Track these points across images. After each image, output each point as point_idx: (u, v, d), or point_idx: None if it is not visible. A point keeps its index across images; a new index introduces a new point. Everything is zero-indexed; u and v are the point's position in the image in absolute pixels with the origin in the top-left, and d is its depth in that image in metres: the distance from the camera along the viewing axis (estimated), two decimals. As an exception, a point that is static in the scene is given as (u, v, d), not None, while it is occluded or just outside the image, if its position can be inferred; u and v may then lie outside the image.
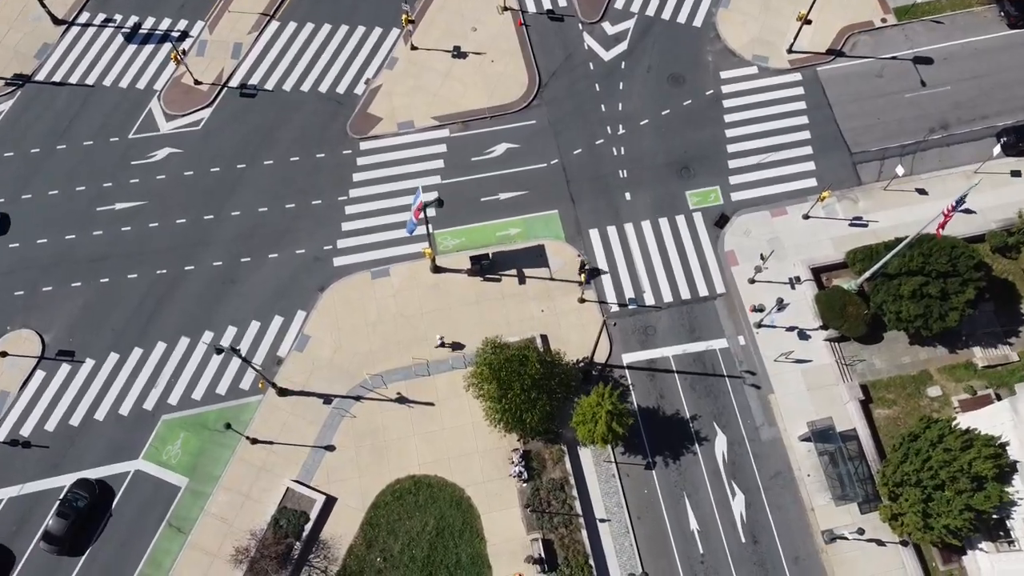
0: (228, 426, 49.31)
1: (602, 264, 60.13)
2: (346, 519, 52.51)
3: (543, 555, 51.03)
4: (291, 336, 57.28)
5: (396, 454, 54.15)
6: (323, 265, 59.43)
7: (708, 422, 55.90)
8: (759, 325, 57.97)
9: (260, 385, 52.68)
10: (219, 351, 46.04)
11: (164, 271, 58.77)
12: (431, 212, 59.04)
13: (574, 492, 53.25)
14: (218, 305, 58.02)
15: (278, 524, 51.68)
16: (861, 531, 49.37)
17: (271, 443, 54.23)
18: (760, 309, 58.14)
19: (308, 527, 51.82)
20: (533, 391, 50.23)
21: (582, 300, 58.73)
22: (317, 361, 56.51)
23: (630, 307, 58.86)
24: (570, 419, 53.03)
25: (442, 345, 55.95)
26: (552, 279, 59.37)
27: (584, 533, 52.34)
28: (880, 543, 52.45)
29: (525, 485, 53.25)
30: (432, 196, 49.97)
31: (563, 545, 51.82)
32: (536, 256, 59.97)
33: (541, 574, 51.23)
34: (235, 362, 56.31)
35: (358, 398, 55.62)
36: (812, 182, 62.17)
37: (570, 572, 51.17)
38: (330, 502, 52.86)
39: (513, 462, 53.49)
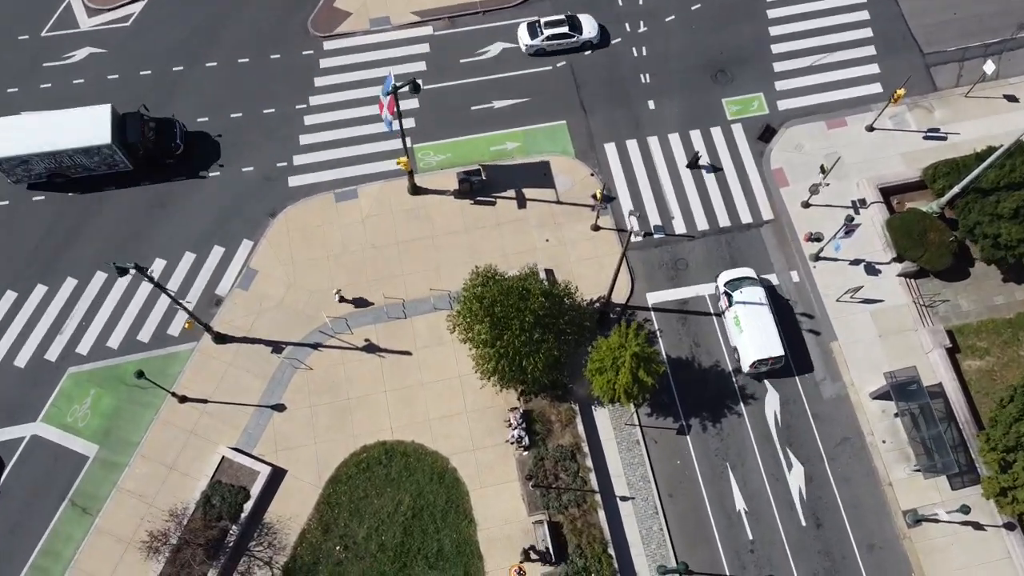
0: (140, 374, 37.80)
1: (620, 185, 48.74)
2: (298, 497, 41.16)
3: (549, 542, 39.69)
4: (233, 271, 45.90)
5: (363, 416, 42.79)
6: (275, 186, 48.03)
7: (755, 376, 44.55)
8: (817, 257, 46.60)
9: (187, 325, 41.24)
10: (122, 272, 34.69)
11: (77, 192, 47.36)
12: (410, 104, 47.79)
13: (588, 463, 41.90)
14: (144, 234, 46.64)
15: (209, 503, 40.31)
16: (966, 509, 37.92)
17: (205, 402, 42.85)
18: (817, 238, 46.78)
19: (248, 507, 40.44)
20: (536, 330, 38.87)
21: (596, 228, 47.35)
22: (265, 301, 45.13)
23: (656, 236, 47.54)
24: (583, 369, 41.65)
25: (342, 300, 44.70)
26: (559, 202, 48.00)
27: (601, 514, 40.99)
28: (978, 526, 41.11)
29: (526, 454, 41.90)
30: (406, 84, 38.82)
31: (575, 529, 40.45)
32: (539, 175, 48.61)
33: (547, 565, 39.84)
34: (161, 303, 44.97)
35: (316, 346, 44.24)
36: (876, 88, 50.77)
37: (584, 564, 39.80)
38: (278, 475, 41.50)
39: (511, 425, 42.11)
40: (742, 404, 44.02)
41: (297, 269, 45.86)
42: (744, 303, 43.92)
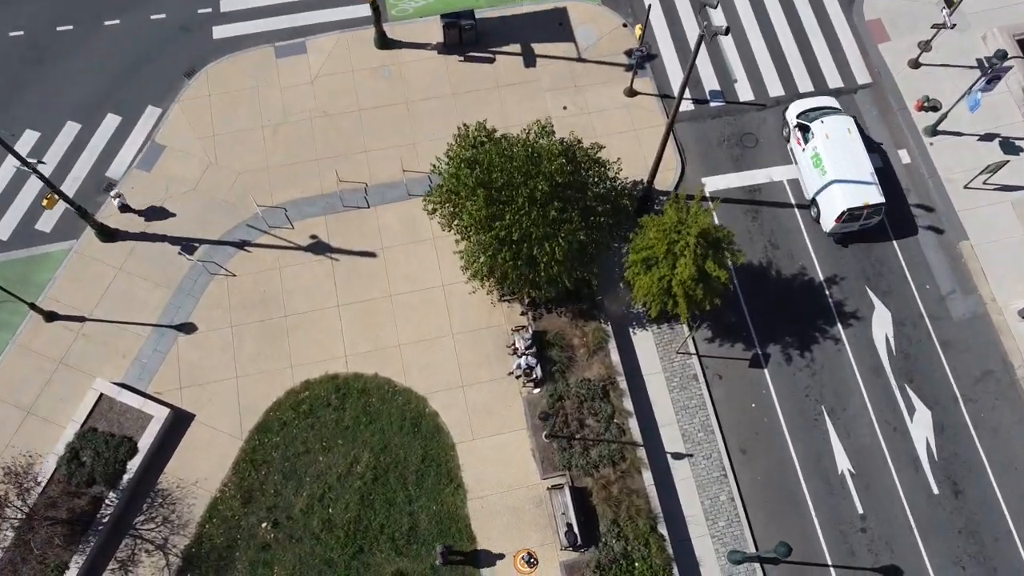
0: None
1: (663, 39, 36.08)
2: (208, 453, 28.53)
3: (573, 516, 27.09)
4: (132, 147, 33.22)
5: (305, 340, 30.15)
6: (195, 38, 35.32)
7: (857, 288, 31.95)
8: (934, 131, 33.94)
9: (46, 202, 28.42)
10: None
11: (-78, 43, 34.77)
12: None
13: (627, 404, 29.27)
14: (14, 97, 33.93)
15: (77, 460, 27.68)
16: None
17: (82, 320, 30.20)
18: (934, 107, 34.22)
19: (135, 466, 27.81)
20: (553, 206, 26.27)
21: (632, 92, 34.68)
22: (174, 186, 32.46)
23: (713, 104, 34.92)
24: (623, 265, 29.12)
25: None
26: (580, 60, 35.36)
27: (647, 477, 28.38)
28: None
29: (538, 392, 29.29)
30: None
31: (609, 499, 27.82)
32: (552, 24, 35.94)
33: (569, 551, 27.22)
34: (30, 188, 32.32)
35: (242, 245, 31.60)
36: (1002, -84, 38.02)
37: (624, 548, 27.17)
38: (180, 422, 28.89)
39: (516, 351, 29.49)
40: (840, 326, 31.39)
41: (219, 144, 33.15)
42: (827, 136, 31.49)
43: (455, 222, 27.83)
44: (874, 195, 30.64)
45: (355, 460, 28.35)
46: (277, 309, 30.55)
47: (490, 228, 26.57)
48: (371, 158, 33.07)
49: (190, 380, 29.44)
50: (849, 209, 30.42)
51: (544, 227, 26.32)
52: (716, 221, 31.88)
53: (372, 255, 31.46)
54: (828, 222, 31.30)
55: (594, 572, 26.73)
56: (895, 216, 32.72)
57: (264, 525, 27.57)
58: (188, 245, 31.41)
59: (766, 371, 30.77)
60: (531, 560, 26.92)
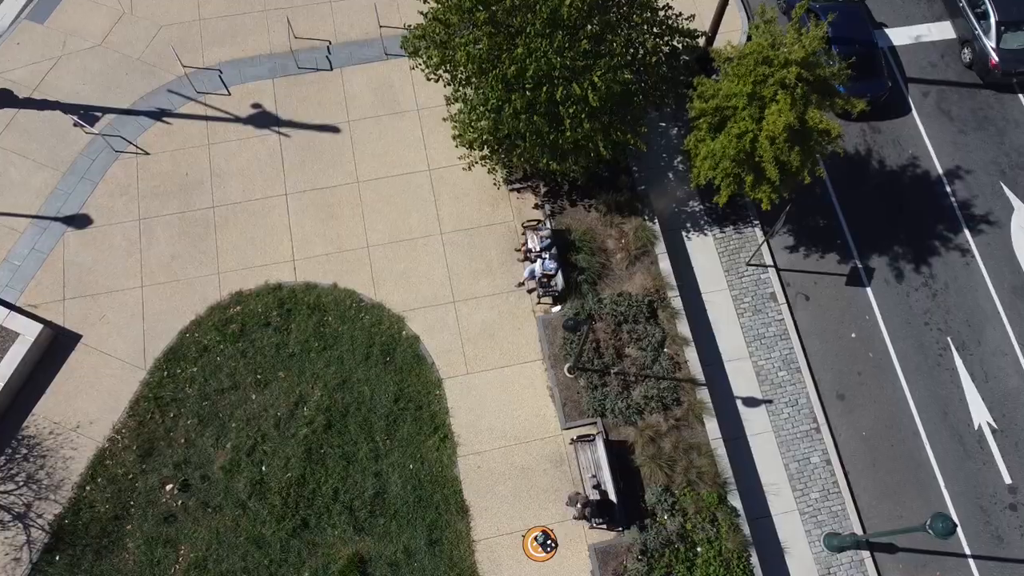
0: None
1: None
2: (95, 387, 20.35)
3: (609, 480, 18.85)
4: (22, -8, 25.12)
5: (240, 238, 21.97)
6: None
7: (989, 184, 23.79)
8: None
9: None
10: None
11: None
12: None
13: (682, 329, 21.04)
14: None
15: (-92, 392, 19.59)
16: None
17: (-65, 208, 22.12)
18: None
19: (-9, 403, 19.72)
20: (587, 31, 18.09)
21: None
22: (74, 41, 24.28)
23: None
24: (669, 149, 20.93)
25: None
26: None
27: (711, 428, 20.12)
28: None
29: (558, 310, 21.05)
30: None
31: (658, 457, 19.51)
32: None
33: (602, 527, 18.98)
34: None
35: (159, 115, 23.42)
36: None
37: (682, 525, 18.93)
38: (60, 345, 20.71)
39: (528, 254, 21.27)
40: (967, 232, 23.17)
41: (138, -11, 25.03)
42: None
43: (446, 66, 19.59)
44: None
45: (301, 400, 20.18)
46: (203, 198, 22.38)
47: (493, 66, 18.38)
48: (337, 8, 24.88)
49: (78, 290, 21.29)
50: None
51: (573, 60, 18.11)
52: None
53: (334, 130, 23.28)
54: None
55: (638, 560, 18.52)
56: (1036, 92, 24.52)
57: (169, 488, 19.40)
58: (88, 115, 23.25)
59: (869, 290, 22.54)
60: (548, 542, 18.78)
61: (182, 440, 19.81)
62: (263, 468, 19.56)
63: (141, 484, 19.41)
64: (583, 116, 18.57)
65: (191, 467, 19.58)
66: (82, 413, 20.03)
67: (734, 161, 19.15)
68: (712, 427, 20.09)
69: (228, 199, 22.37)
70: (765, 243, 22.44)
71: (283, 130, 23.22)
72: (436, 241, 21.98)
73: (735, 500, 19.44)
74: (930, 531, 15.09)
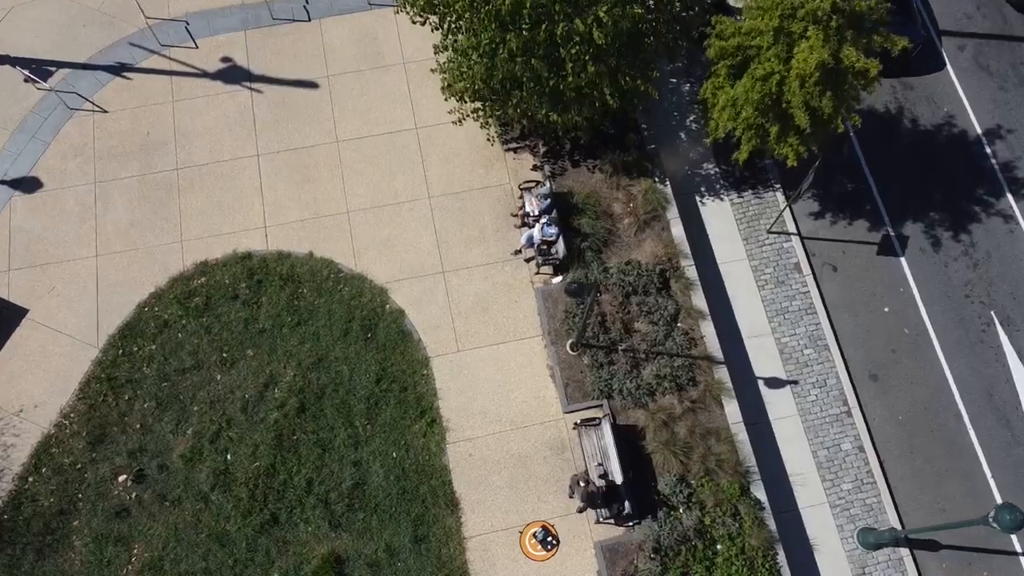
0: None
1: None
2: (42, 366, 18.18)
3: (617, 470, 16.69)
4: (-28, -61, 22.90)
5: (207, 202, 19.80)
6: None
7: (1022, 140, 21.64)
8: None
9: None
10: None
11: None
12: None
13: (697, 301, 18.87)
14: None
15: None
16: None
17: None
18: None
19: (-76, 384, 17.54)
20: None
21: None
22: (27, -9, 22.17)
23: None
24: (680, 104, 18.82)
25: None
26: None
27: (731, 412, 17.95)
28: None
29: (558, 281, 18.90)
30: None
31: (671, 443, 17.33)
32: None
33: (611, 521, 16.82)
34: None
35: (119, 70, 21.22)
36: None
37: (699, 519, 16.76)
38: (4, 320, 18.52)
39: (526, 219, 19.10)
40: (1010, 197, 21.05)
41: (98, -65, 22.81)
42: None
43: (433, 5, 17.38)
44: None
45: (272, 381, 18.02)
46: (166, 159, 20.21)
47: (487, 1, 16.21)
48: (316, -46, 22.71)
49: (25, 259, 19.13)
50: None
51: (571, -4, 15.95)
52: None
53: (311, 85, 21.10)
54: None
55: (651, 559, 16.38)
56: (1083, 44, 22.35)
57: (122, 479, 17.26)
58: (40, 69, 21.07)
59: (903, 260, 20.39)
60: (548, 539, 16.65)
61: (138, 426, 17.66)
62: (228, 457, 17.41)
63: (91, 475, 17.27)
64: (587, 58, 16.41)
65: (147, 456, 17.43)
66: (26, 396, 17.88)
67: (757, 110, 16.98)
68: (732, 410, 17.94)
69: (193, 160, 20.20)
70: (788, 208, 20.30)
71: (255, 86, 21.05)
72: (424, 206, 19.81)
73: (759, 491, 17.30)
74: (995, 524, 12.93)
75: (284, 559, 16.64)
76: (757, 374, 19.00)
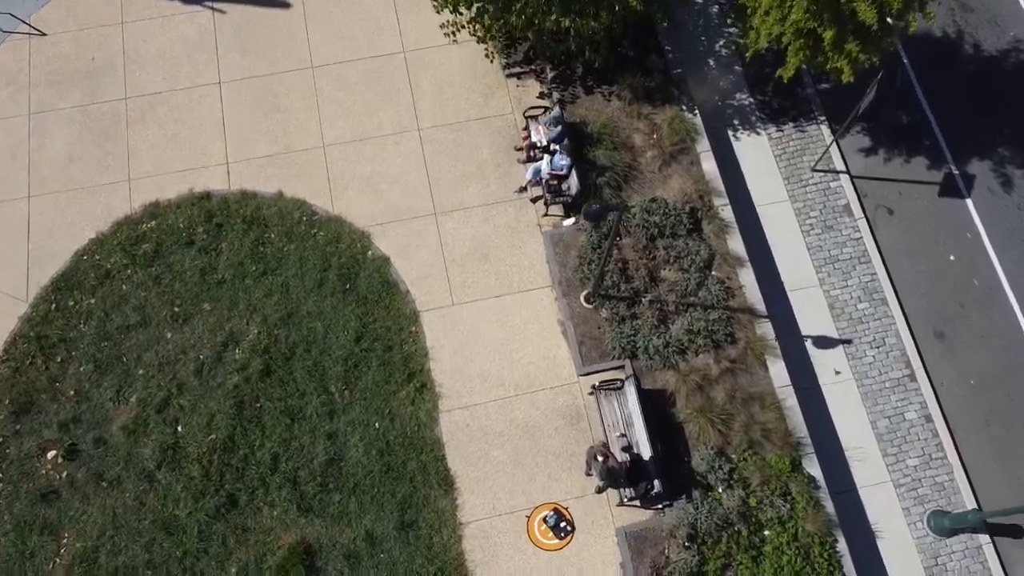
0: None
1: None
2: (-36, 324, 15.40)
3: (644, 440, 13.87)
4: None
5: (159, 136, 16.96)
6: None
7: (1114, 70, 18.74)
8: None
9: None
10: None
11: None
12: None
13: (735, 244, 16.05)
14: None
15: None
16: None
17: None
18: None
19: None
20: None
21: None
22: (-41, -97, 19.26)
23: None
24: (710, 29, 16.07)
25: None
26: None
27: (776, 374, 15.13)
28: None
29: (571, 222, 16.07)
30: None
31: (707, 411, 14.49)
32: None
33: (635, 504, 14.00)
34: None
35: (61, -12, 18.42)
36: None
37: (743, 499, 13.92)
38: (-82, 270, 15.77)
39: (533, 150, 16.24)
40: (1090, 131, 18.21)
41: None
42: None
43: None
44: None
45: (232, 339, 15.20)
46: (113, 88, 17.39)
47: None
48: None
49: (-56, 201, 16.34)
50: None
51: None
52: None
53: (282, 4, 18.27)
54: None
55: (685, 548, 13.56)
56: None
57: (51, 455, 14.43)
58: (-31, -13, 18.25)
59: (969, 202, 17.58)
60: (560, 524, 13.85)
61: (71, 392, 14.84)
62: (178, 428, 14.59)
63: (13, 450, 14.45)
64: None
65: (82, 427, 14.61)
66: (-61, 358, 15.07)
67: (809, 11, 14.15)
68: (778, 371, 15.13)
69: (146, 89, 17.38)
70: (835, 143, 17.51)
71: (217, 5, 18.20)
72: (412, 139, 16.99)
73: (812, 466, 14.50)
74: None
75: (243, 549, 13.83)
76: (803, 332, 16.20)
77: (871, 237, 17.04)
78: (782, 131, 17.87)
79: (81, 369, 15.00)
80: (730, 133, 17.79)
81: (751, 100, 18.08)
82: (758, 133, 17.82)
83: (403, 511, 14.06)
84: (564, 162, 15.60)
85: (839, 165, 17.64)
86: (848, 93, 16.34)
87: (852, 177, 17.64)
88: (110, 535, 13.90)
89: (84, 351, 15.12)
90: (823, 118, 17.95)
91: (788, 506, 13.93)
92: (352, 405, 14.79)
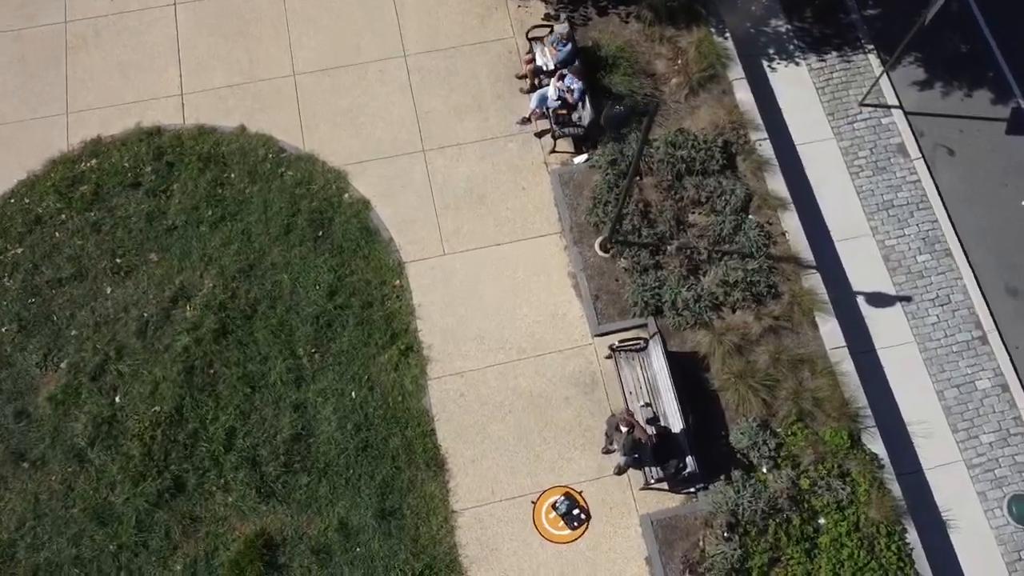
0: None
1: None
2: None
3: (676, 410, 11.52)
4: None
5: (103, 63, 14.59)
6: None
7: None
8: None
9: None
10: None
11: None
12: None
13: (775, 183, 13.70)
14: None
15: None
16: None
17: None
18: None
19: None
20: None
21: None
22: None
23: None
24: None
25: None
26: None
27: (827, 335, 12.78)
28: None
29: (583, 159, 13.70)
30: None
31: (748, 375, 12.14)
32: None
33: (662, 486, 11.66)
34: None
35: (-5, -99, 16.01)
36: None
37: (793, 481, 11.55)
38: None
39: (537, 75, 13.87)
40: None
41: None
42: None
43: None
44: None
45: (183, 294, 12.84)
46: (51, 10, 15.02)
47: None
48: None
49: None
50: None
51: None
52: None
53: (249, -84, 15.91)
54: None
55: (725, 539, 11.22)
56: None
57: (-37, 431, 12.08)
58: None
59: (1044, 139, 15.27)
60: (573, 512, 11.51)
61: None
62: (116, 399, 12.23)
63: (-81, 425, 12.09)
64: None
65: (1, 398, 12.25)
66: None
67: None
68: (830, 330, 12.80)
69: (89, 11, 15.00)
70: (884, 75, 15.17)
71: (174, -82, 15.83)
72: (398, 66, 14.62)
73: (874, 443, 12.16)
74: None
75: (191, 543, 11.47)
76: (855, 288, 13.87)
77: (930, 180, 14.72)
78: (824, 61, 15.52)
79: (3, 330, 12.63)
80: (765, 64, 15.44)
81: (788, 27, 15.75)
82: (797, 63, 15.47)
83: (384, 496, 11.70)
84: (576, 85, 13.22)
85: (891, 99, 15.31)
86: (898, 17, 14.05)
87: (906, 113, 15.29)
88: (31, 526, 11.54)
89: (7, 309, 12.76)
90: (871, 47, 15.62)
91: (847, 489, 11.58)
92: (324, 371, 12.43)
